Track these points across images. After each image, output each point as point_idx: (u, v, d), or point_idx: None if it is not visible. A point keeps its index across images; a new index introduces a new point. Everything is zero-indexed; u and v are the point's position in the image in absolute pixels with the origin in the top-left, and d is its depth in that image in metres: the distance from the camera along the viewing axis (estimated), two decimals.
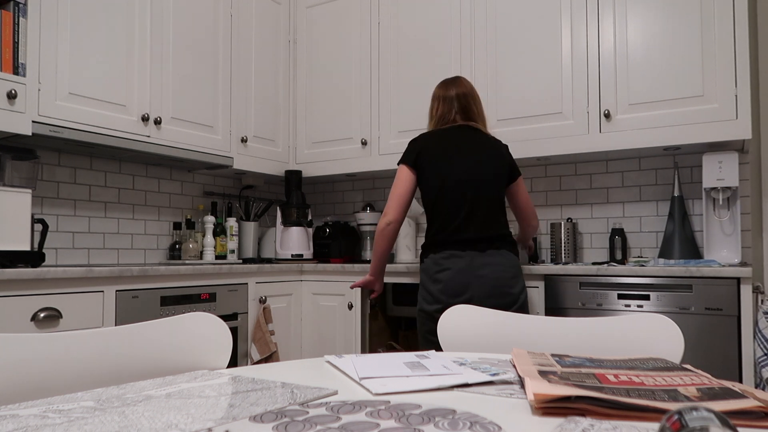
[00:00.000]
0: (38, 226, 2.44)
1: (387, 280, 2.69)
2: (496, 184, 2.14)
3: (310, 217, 3.25)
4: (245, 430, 0.56)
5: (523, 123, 2.67)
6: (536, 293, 2.35)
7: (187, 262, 2.84)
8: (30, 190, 2.08)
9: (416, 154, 2.17)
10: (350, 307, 2.75)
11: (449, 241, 2.10)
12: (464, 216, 2.10)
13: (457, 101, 2.21)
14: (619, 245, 2.66)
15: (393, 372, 0.82)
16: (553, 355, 0.89)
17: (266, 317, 2.66)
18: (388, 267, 2.67)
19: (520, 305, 2.09)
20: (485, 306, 1.94)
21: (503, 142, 2.35)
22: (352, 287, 2.42)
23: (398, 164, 2.21)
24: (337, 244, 3.22)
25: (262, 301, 2.69)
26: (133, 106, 2.50)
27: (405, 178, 2.18)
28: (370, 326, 2.81)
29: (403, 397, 0.70)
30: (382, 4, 3.09)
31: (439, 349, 2.05)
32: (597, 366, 0.81)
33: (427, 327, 2.11)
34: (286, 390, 0.73)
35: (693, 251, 2.46)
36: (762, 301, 2.08)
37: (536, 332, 1.14)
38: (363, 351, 2.63)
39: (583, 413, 0.61)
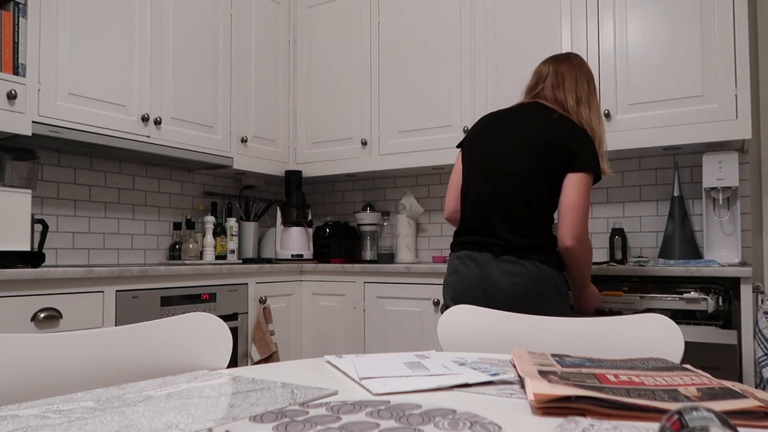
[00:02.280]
0: (38, 227, 2.44)
1: (387, 280, 2.69)
2: (530, 176, 1.72)
3: (310, 217, 3.25)
4: (245, 430, 0.56)
5: None
6: None
7: (187, 262, 2.84)
8: (30, 190, 2.08)
9: (466, 133, 1.87)
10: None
11: (467, 241, 1.81)
12: (486, 213, 1.77)
13: (550, 76, 1.85)
14: (619, 245, 2.65)
15: (393, 372, 0.82)
16: (553, 355, 0.89)
17: (266, 317, 2.66)
18: (388, 267, 2.67)
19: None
20: None
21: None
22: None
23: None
24: (337, 244, 3.22)
25: (262, 301, 2.69)
26: (133, 106, 2.50)
27: (456, 163, 1.92)
28: None
29: (403, 397, 0.70)
30: (382, 4, 3.09)
31: None
32: (597, 366, 0.81)
33: None
34: (286, 390, 0.73)
35: (693, 251, 2.46)
36: (762, 301, 2.08)
37: (536, 332, 1.14)
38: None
39: (583, 413, 0.61)
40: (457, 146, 1.97)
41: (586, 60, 2.51)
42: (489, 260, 1.73)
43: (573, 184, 1.71)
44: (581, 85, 1.83)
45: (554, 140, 1.71)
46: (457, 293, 1.80)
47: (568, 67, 1.85)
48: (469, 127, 2.79)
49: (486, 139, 1.82)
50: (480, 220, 1.78)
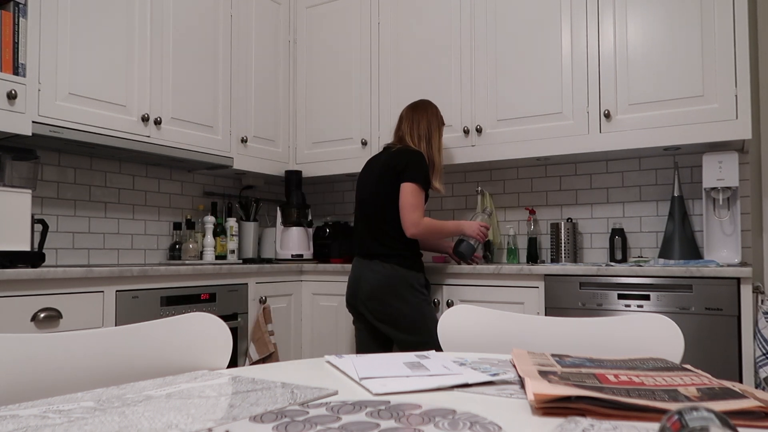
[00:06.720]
0: (38, 227, 2.44)
1: None
2: (375, 202, 2.36)
3: (310, 217, 3.25)
4: (245, 430, 0.56)
5: (523, 123, 2.67)
6: (536, 293, 2.35)
7: (187, 262, 2.84)
8: (30, 190, 2.08)
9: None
10: None
11: (356, 250, 2.44)
12: (360, 231, 2.41)
13: (398, 122, 2.53)
14: (619, 245, 2.65)
15: (393, 372, 0.82)
16: (553, 355, 0.89)
17: (266, 317, 2.66)
18: None
19: (386, 314, 2.27)
20: (364, 309, 2.33)
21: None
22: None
23: None
24: (337, 244, 3.22)
25: (262, 301, 2.69)
26: (133, 107, 2.50)
27: None
28: None
29: (403, 397, 0.70)
30: (382, 4, 3.09)
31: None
32: (597, 366, 0.81)
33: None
34: (286, 390, 0.73)
35: (693, 251, 2.46)
36: (762, 301, 2.08)
37: (536, 332, 1.14)
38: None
39: (583, 413, 0.61)
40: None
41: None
42: (361, 263, 2.38)
43: (401, 194, 2.30)
44: (409, 122, 2.47)
45: (384, 172, 2.35)
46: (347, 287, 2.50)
47: (403, 114, 2.52)
48: (470, 128, 2.80)
49: (360, 180, 2.50)
50: (358, 237, 2.47)
